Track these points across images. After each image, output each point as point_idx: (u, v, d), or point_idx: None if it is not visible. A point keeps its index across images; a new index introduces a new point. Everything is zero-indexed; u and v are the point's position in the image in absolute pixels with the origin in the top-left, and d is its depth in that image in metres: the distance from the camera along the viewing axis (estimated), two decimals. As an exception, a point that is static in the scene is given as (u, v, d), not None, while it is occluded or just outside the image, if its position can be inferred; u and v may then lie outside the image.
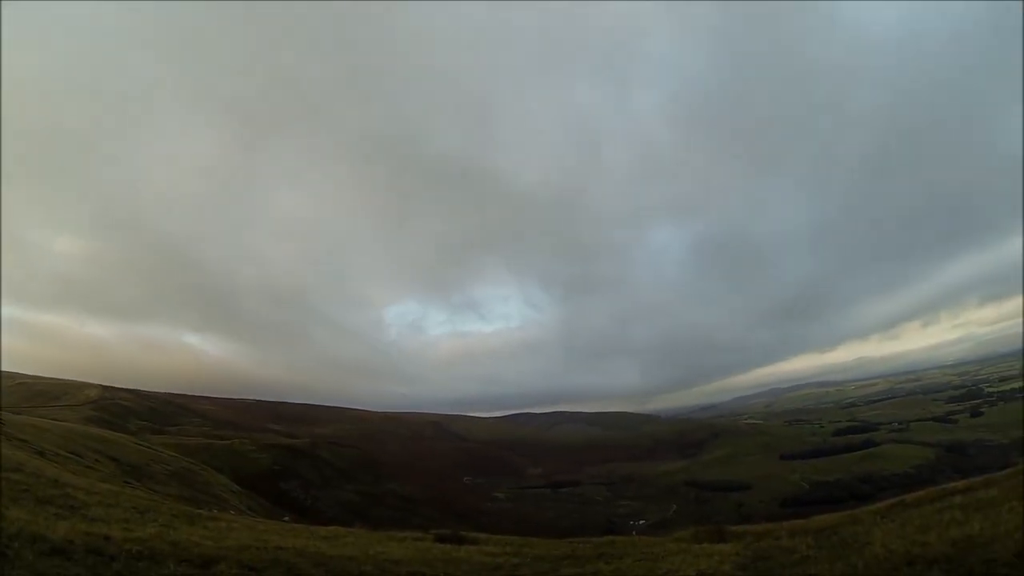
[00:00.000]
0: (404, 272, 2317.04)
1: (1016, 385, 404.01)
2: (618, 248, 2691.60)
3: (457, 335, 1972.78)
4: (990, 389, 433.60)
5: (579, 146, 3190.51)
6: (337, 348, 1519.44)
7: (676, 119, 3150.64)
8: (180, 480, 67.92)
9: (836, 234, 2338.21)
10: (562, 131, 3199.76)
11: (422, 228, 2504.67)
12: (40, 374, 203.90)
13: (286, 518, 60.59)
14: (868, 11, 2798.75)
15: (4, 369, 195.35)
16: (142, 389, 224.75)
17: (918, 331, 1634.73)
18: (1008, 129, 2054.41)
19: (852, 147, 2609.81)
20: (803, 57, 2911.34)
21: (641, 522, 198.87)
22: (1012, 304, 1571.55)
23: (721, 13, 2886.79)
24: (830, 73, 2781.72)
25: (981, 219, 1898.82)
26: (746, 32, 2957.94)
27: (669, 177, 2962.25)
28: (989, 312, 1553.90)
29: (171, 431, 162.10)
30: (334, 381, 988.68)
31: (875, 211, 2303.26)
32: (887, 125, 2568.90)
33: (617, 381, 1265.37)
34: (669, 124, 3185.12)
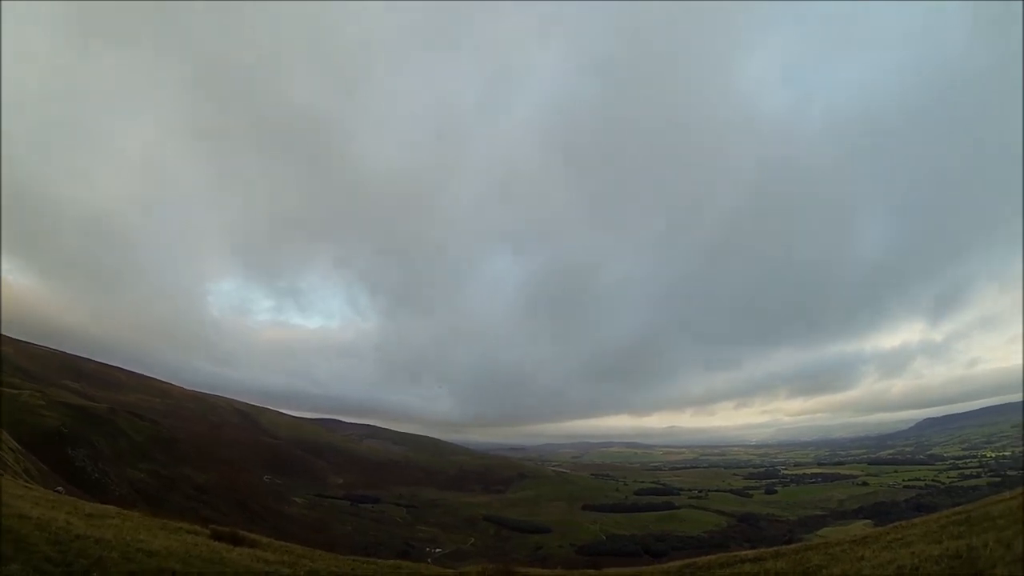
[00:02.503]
0: (234, 242, 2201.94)
1: (808, 471, 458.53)
2: (455, 267, 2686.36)
3: (278, 324, 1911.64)
4: (785, 471, 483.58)
5: (440, 147, 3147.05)
6: (153, 310, 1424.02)
7: (544, 145, 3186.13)
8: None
9: (675, 304, 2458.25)
10: (427, 126, 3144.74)
11: (260, 195, 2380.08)
12: None
13: (59, 488, 57.06)
14: (761, 85, 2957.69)
15: None
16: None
17: (731, 411, 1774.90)
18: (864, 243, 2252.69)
19: (709, 223, 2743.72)
20: (688, 117, 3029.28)
21: (438, 550, 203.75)
22: (816, 401, 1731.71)
23: (617, 46, 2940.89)
24: (709, 138, 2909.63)
25: (807, 320, 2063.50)
26: (636, 76, 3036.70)
27: (522, 203, 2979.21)
28: (796, 404, 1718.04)
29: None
30: (143, 345, 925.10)
31: (717, 290, 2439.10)
32: (750, 207, 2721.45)
33: (431, 405, 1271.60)
34: (536, 149, 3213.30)
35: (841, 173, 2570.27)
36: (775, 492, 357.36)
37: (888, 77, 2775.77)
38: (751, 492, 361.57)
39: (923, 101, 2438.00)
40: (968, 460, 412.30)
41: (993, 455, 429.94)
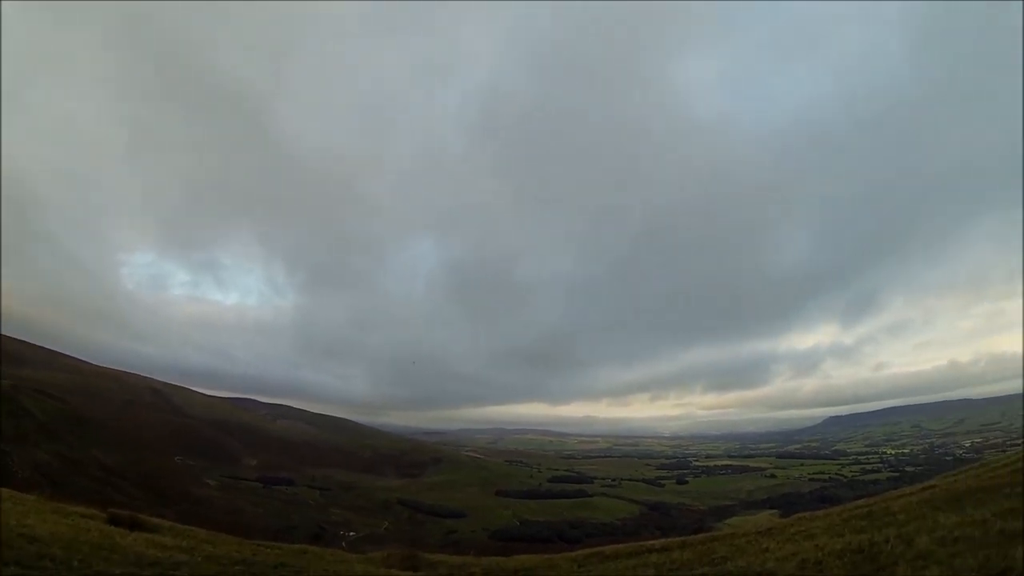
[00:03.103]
0: (151, 212, 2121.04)
1: (719, 463, 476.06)
2: (374, 247, 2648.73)
3: (195, 300, 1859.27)
4: (696, 463, 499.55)
5: (368, 128, 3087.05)
6: (63, 281, 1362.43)
7: (473, 134, 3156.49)
8: None
9: (595, 296, 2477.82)
10: (356, 105, 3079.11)
11: (179, 164, 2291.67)
12: None
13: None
14: (696, 89, 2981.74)
15: None
16: None
17: (646, 402, 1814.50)
18: (784, 250, 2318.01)
19: (635, 221, 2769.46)
20: (622, 115, 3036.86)
21: (352, 534, 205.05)
22: (730, 396, 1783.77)
23: (555, 39, 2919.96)
24: (641, 137, 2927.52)
25: (725, 319, 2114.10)
26: (573, 70, 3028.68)
27: (447, 190, 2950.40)
28: (709, 399, 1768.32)
29: None
30: (51, 318, 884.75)
31: (638, 286, 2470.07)
32: (676, 208, 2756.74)
33: (347, 386, 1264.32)
34: (465, 136, 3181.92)
35: (769, 181, 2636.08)
36: (686, 482, 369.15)
37: (822, 92, 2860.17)
38: (663, 482, 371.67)
39: (853, 119, 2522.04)
40: (870, 456, 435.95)
41: (893, 452, 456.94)
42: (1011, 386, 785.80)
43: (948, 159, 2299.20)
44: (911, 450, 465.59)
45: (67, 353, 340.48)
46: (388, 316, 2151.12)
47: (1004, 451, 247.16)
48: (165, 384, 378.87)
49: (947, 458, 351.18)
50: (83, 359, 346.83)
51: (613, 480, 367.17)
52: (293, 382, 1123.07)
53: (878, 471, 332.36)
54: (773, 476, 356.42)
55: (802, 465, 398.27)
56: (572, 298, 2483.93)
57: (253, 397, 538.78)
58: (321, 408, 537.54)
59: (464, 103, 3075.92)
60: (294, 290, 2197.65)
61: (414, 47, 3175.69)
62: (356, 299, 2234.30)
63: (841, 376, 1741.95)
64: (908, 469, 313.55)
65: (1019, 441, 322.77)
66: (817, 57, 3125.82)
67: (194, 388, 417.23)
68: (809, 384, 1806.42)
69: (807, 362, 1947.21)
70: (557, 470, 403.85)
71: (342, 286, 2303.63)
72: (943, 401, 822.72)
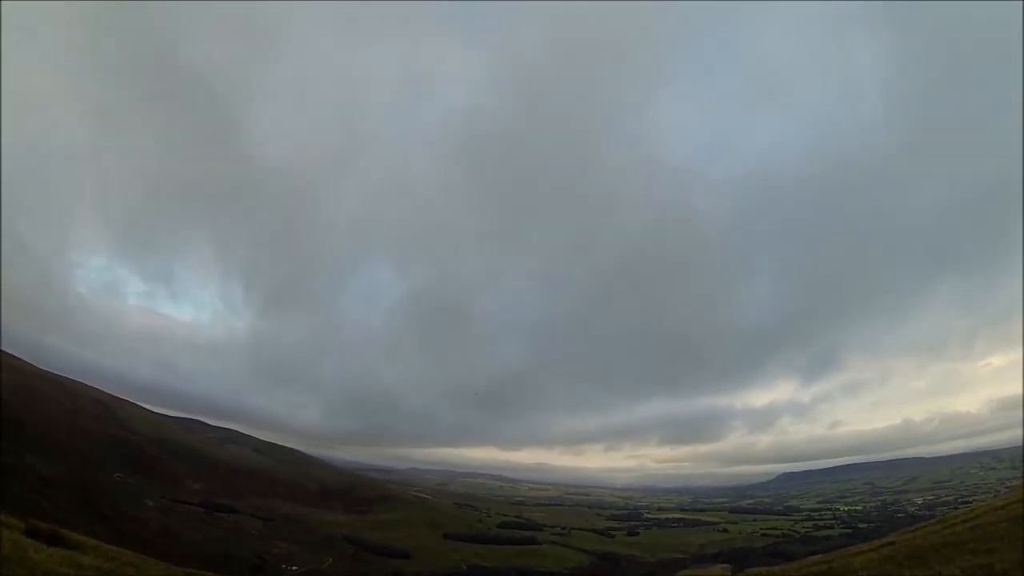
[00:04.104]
0: (108, 213, 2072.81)
1: (671, 516, 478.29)
2: (336, 272, 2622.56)
3: (148, 311, 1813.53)
4: (648, 515, 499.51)
5: (341, 139, 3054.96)
6: (9, 278, 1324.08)
7: (444, 159, 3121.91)
8: None
9: (554, 340, 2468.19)
10: (328, 118, 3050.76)
11: (140, 163, 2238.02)
12: None
13: None
14: (669, 131, 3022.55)
15: None
16: None
17: (599, 453, 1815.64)
18: (748, 303, 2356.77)
19: (598, 263, 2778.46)
20: (594, 154, 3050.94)
21: (293, 568, 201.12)
22: (684, 450, 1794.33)
23: (536, 67, 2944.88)
24: (611, 177, 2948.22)
25: (683, 371, 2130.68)
26: (551, 101, 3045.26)
27: (412, 215, 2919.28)
28: (663, 452, 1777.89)
29: None
30: None
31: (596, 332, 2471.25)
32: (640, 253, 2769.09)
33: (297, 415, 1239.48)
34: (435, 161, 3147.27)
35: (735, 231, 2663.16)
36: (637, 534, 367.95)
37: (792, 143, 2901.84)
38: (614, 533, 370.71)
39: (821, 172, 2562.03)
40: (823, 512, 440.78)
41: (846, 509, 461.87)
42: (962, 445, 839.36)
43: (913, 219, 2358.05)
44: (864, 507, 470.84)
45: (10, 351, 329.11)
46: (344, 344, 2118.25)
47: (956, 508, 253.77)
48: (110, 396, 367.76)
49: (899, 515, 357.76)
50: (26, 360, 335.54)
51: (563, 529, 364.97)
52: (242, 406, 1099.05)
53: (831, 527, 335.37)
54: (725, 530, 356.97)
55: (755, 520, 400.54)
56: (530, 340, 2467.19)
57: (200, 418, 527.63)
58: (270, 436, 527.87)
59: (438, 127, 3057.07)
60: (250, 310, 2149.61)
61: (393, 64, 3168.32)
62: (312, 324, 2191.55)
63: (797, 433, 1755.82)
64: (861, 526, 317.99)
65: (970, 499, 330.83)
66: (789, 107, 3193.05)
67: (140, 403, 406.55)
68: (764, 440, 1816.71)
69: (764, 418, 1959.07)
70: (507, 516, 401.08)
71: (299, 310, 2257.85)
72: (896, 459, 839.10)
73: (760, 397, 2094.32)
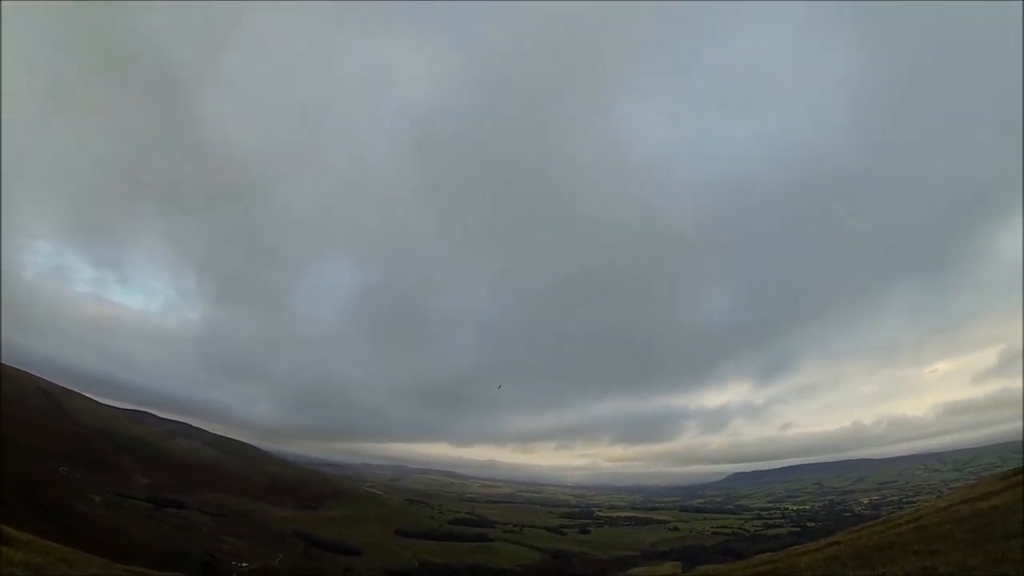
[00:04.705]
0: (55, 190, 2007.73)
1: (622, 514, 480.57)
2: (290, 263, 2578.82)
3: (97, 299, 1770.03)
4: (599, 513, 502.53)
5: (301, 131, 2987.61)
6: None
7: (405, 156, 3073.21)
8: None
9: (509, 338, 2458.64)
10: (292, 104, 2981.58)
11: (92, 137, 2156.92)
12: None
13: None
14: (635, 133, 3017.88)
15: None
16: None
17: (551, 451, 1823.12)
18: (705, 305, 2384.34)
19: (558, 263, 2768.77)
20: (559, 153, 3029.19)
21: (244, 565, 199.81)
22: (636, 449, 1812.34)
23: (503, 64, 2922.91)
24: (575, 177, 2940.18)
25: (638, 372, 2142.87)
26: (516, 99, 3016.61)
27: (371, 207, 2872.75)
28: (616, 451, 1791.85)
29: None
30: None
31: (553, 332, 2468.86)
32: (601, 253, 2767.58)
33: (249, 409, 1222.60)
34: (396, 157, 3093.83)
35: (696, 234, 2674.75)
36: (588, 532, 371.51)
37: (757, 149, 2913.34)
38: (565, 530, 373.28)
39: (783, 179, 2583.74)
40: (772, 512, 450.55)
41: (795, 508, 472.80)
42: (908, 447, 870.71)
43: (870, 228, 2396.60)
44: (812, 506, 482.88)
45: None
46: (297, 338, 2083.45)
47: (900, 508, 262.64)
48: (57, 387, 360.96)
49: (846, 515, 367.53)
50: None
51: (515, 526, 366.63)
52: (193, 399, 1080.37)
53: (780, 526, 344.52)
54: (676, 529, 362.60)
55: (705, 519, 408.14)
56: (485, 339, 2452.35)
57: (150, 411, 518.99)
58: (221, 429, 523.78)
59: (400, 124, 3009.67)
60: (202, 300, 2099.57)
61: (357, 58, 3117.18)
62: (266, 317, 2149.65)
63: (748, 434, 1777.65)
64: (809, 524, 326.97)
65: (914, 499, 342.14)
66: (757, 114, 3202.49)
67: (87, 394, 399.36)
68: (716, 441, 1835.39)
69: (716, 419, 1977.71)
70: (458, 512, 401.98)
71: (252, 301, 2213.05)
72: (844, 460, 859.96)
73: (714, 398, 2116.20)
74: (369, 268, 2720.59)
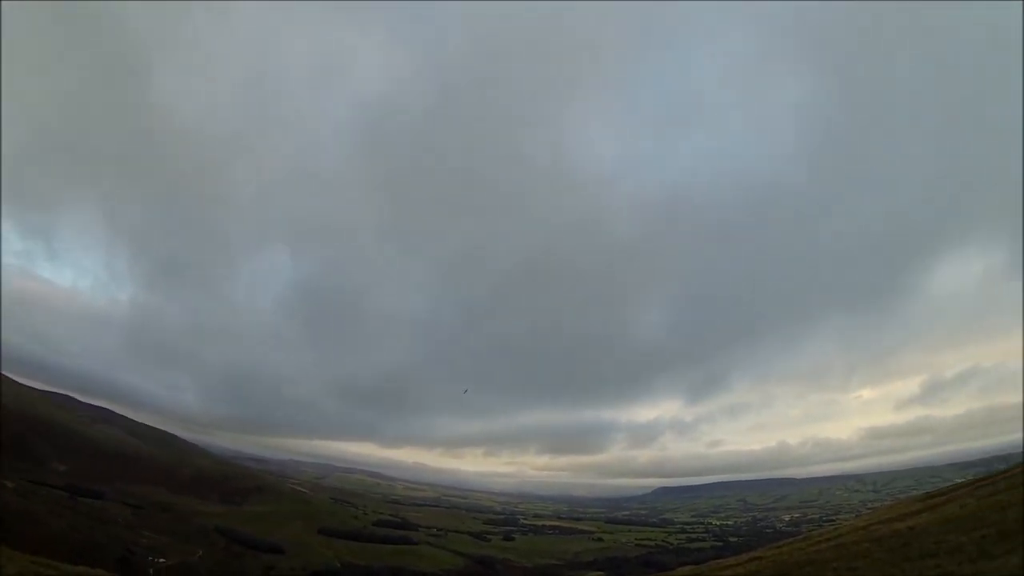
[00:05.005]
0: None
1: (548, 523, 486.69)
2: (228, 250, 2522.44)
3: (25, 274, 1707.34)
4: (524, 521, 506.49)
5: (251, 114, 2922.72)
6: None
7: (352, 148, 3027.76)
8: None
9: (442, 341, 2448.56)
10: (244, 85, 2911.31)
11: (30, 92, 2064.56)
12: None
13: None
14: (588, 143, 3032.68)
15: None
16: None
17: (478, 457, 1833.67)
18: (642, 321, 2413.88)
19: (497, 270, 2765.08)
20: (510, 152, 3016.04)
21: (162, 560, 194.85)
22: (564, 460, 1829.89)
23: (457, 63, 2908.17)
24: (521, 184, 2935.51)
25: (569, 383, 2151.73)
26: (468, 99, 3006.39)
27: (314, 199, 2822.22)
28: (543, 460, 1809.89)
29: None
30: None
31: (488, 334, 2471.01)
32: (542, 263, 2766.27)
33: (175, 397, 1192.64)
34: (345, 145, 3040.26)
35: (638, 249, 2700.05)
36: (513, 539, 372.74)
37: (704, 169, 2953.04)
38: (490, 537, 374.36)
39: (728, 199, 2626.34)
40: (696, 526, 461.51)
41: (718, 523, 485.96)
42: (830, 468, 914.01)
43: (810, 255, 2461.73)
44: (735, 522, 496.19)
45: None
46: (229, 327, 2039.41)
47: (821, 526, 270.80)
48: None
49: (768, 531, 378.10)
50: None
51: (439, 530, 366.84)
52: (118, 384, 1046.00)
53: (703, 540, 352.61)
54: (601, 539, 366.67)
55: (630, 531, 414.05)
56: (418, 340, 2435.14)
57: (72, 394, 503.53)
58: (145, 417, 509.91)
59: (351, 114, 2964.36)
60: (134, 281, 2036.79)
61: (312, 47, 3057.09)
62: (199, 303, 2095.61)
63: (676, 450, 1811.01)
64: (732, 539, 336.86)
65: (834, 518, 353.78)
66: (706, 134, 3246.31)
67: (6, 373, 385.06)
68: (644, 455, 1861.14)
69: (646, 434, 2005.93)
70: (383, 514, 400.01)
71: (187, 286, 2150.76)
72: (769, 478, 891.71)
73: (644, 413, 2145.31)
74: (308, 260, 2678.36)
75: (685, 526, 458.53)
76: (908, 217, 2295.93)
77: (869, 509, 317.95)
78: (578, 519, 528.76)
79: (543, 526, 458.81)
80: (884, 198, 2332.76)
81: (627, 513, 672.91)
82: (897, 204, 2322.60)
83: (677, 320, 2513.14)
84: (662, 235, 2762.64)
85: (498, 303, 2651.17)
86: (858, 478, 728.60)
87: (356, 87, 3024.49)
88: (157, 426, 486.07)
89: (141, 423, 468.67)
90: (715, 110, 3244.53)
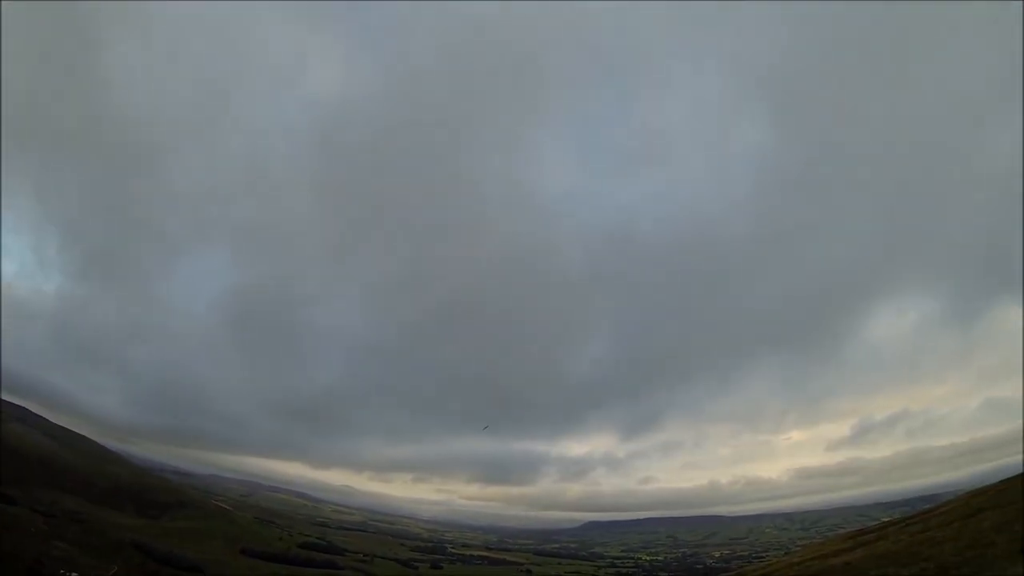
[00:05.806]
0: None
1: (476, 553, 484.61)
2: (167, 250, 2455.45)
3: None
4: (453, 550, 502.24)
5: (201, 107, 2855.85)
6: None
7: (303, 146, 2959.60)
8: None
9: (376, 363, 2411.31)
10: (197, 74, 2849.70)
11: None
12: None
13: None
14: (545, 170, 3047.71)
15: None
16: None
17: (408, 483, 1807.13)
18: (580, 354, 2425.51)
19: (439, 293, 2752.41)
20: (462, 169, 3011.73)
21: (74, 574, 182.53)
22: (493, 490, 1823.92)
23: (419, 66, 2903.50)
24: (476, 205, 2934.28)
25: (501, 413, 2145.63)
26: (428, 109, 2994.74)
27: (258, 201, 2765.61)
28: (472, 489, 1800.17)
29: None
30: None
31: (423, 358, 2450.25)
32: (481, 290, 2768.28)
33: (97, 400, 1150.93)
34: (293, 146, 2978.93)
35: (582, 282, 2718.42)
36: (441, 568, 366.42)
37: (658, 209, 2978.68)
38: (417, 565, 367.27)
39: (679, 241, 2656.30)
40: (626, 560, 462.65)
41: (648, 559, 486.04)
42: (760, 507, 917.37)
43: (748, 297, 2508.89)
44: (665, 557, 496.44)
45: None
46: (160, 329, 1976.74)
47: (750, 562, 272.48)
48: None
49: (698, 566, 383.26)
50: None
51: (366, 556, 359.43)
52: (35, 382, 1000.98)
53: (633, 574, 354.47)
54: (529, 571, 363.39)
55: (559, 563, 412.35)
56: (352, 360, 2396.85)
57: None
58: (63, 419, 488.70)
59: (303, 118, 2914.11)
60: (63, 272, 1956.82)
61: (271, 42, 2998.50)
62: (131, 300, 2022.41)
63: (608, 484, 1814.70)
64: (661, 574, 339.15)
65: (764, 555, 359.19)
66: (663, 175, 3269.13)
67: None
68: (575, 489, 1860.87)
69: (577, 468, 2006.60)
70: (309, 536, 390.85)
71: (118, 282, 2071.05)
72: (699, 516, 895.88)
73: (577, 447, 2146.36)
74: (247, 265, 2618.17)
75: (615, 560, 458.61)
76: (848, 265, 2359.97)
77: (798, 546, 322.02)
78: (507, 550, 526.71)
79: (472, 556, 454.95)
80: (826, 247, 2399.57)
81: (557, 546, 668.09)
82: (838, 253, 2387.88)
83: (614, 356, 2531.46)
84: (606, 269, 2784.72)
85: (438, 328, 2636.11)
86: (787, 516, 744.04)
87: (311, 94, 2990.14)
88: (75, 430, 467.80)
89: (59, 425, 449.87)
90: (673, 151, 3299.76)
